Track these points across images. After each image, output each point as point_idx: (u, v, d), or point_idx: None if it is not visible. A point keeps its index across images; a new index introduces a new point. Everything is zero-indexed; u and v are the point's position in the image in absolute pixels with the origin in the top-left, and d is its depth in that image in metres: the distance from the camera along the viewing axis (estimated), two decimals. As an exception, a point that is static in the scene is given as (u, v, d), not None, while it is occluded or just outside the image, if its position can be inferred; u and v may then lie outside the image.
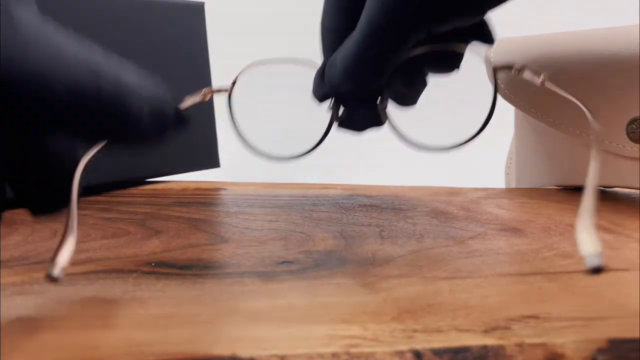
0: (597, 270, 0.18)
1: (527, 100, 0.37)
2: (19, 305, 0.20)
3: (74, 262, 0.24)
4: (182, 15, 0.40)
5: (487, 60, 0.39)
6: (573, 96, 0.36)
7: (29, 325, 0.18)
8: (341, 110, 0.29)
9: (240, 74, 0.29)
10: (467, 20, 0.24)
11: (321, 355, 0.17)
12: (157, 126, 0.20)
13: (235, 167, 0.45)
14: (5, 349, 0.17)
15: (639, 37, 0.33)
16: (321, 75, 0.28)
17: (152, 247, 0.26)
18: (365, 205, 0.34)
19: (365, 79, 0.26)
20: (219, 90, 0.29)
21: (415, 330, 0.18)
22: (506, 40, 0.39)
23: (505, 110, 0.42)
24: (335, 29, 0.27)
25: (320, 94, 0.29)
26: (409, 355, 0.17)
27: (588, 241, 0.19)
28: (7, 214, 0.31)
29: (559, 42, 0.37)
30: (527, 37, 0.39)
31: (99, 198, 0.35)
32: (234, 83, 0.29)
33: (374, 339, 0.18)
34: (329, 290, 0.21)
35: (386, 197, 0.37)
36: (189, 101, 0.25)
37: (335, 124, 0.29)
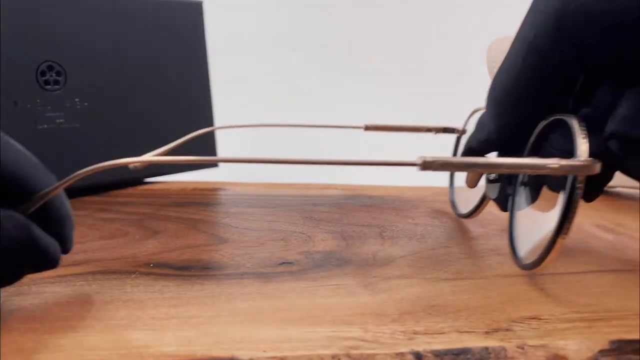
0: None
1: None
2: (17, 306, 0.19)
3: (71, 263, 0.24)
4: (181, 14, 0.39)
5: (488, 60, 0.39)
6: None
7: (27, 326, 0.18)
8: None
9: (471, 116, 0.31)
10: None
11: (321, 357, 0.17)
12: None
13: (235, 166, 0.45)
14: (4, 350, 0.16)
15: None
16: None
17: (150, 247, 0.26)
18: (365, 206, 0.34)
19: (517, 110, 0.22)
20: (452, 130, 0.32)
21: (416, 332, 0.18)
22: (505, 40, 0.39)
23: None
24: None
25: (471, 144, 0.25)
26: (410, 357, 0.17)
27: None
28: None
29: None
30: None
31: (97, 198, 0.34)
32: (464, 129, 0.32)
33: (375, 340, 0.18)
34: (329, 291, 0.21)
35: (387, 197, 0.36)
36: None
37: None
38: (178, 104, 0.39)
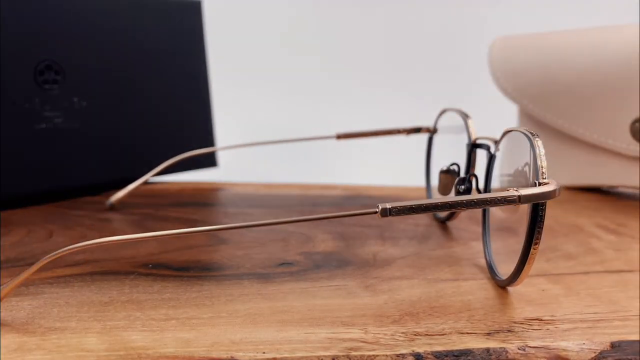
0: None
1: (530, 100, 0.37)
2: (16, 307, 0.19)
3: (70, 264, 0.23)
4: (180, 14, 0.39)
5: (490, 58, 0.39)
6: (575, 95, 0.36)
7: (26, 327, 0.18)
8: None
9: (440, 116, 0.31)
10: None
11: (321, 359, 0.17)
12: None
13: (234, 166, 0.45)
14: (4, 350, 0.16)
15: (639, 35, 0.33)
16: None
17: (149, 248, 0.26)
18: (365, 206, 0.34)
19: None
20: (425, 130, 0.32)
21: (416, 333, 0.18)
22: (506, 38, 0.39)
23: (508, 109, 0.41)
24: None
25: None
26: (411, 358, 0.17)
27: None
28: (3, 215, 0.30)
29: (560, 41, 0.37)
30: (527, 35, 0.39)
31: (96, 198, 0.34)
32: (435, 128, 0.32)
33: (375, 342, 0.17)
34: (329, 292, 0.21)
35: (387, 197, 0.36)
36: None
37: None
38: (177, 103, 0.39)
